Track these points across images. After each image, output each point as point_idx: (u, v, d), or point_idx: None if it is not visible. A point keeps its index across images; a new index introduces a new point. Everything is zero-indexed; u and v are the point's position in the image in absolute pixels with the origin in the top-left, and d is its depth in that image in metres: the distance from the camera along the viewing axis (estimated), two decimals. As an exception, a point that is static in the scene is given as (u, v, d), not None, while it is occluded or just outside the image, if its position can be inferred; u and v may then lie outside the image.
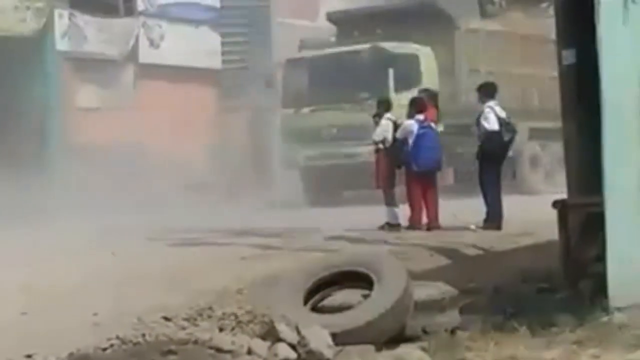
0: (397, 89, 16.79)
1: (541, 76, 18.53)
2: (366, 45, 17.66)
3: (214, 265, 8.46)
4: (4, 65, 16.79)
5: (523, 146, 18.28)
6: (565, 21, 6.58)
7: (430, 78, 17.52)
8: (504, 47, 19.06)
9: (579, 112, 6.42)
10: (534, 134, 19.12)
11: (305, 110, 17.92)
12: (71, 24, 18.76)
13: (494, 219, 11.28)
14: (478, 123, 11.56)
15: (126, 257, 9.19)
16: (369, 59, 17.47)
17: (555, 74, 18.17)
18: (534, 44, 19.02)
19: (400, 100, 15.25)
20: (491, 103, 11.58)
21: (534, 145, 19.43)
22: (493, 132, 11.36)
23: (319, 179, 17.61)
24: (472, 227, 11.24)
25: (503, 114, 11.53)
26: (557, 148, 17.93)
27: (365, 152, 14.64)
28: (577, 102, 6.43)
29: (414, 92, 15.08)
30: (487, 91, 11.74)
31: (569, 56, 6.47)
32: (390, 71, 17.30)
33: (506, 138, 11.42)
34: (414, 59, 17.85)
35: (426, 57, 18.14)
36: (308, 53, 18.41)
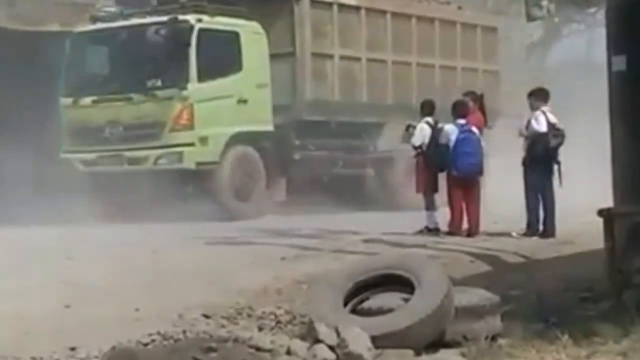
0: (203, 77, 13.83)
1: (447, 67, 17.24)
2: (163, 18, 13.96)
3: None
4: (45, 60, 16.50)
5: (397, 152, 15.28)
6: (616, 27, 6.51)
7: (255, 63, 14.51)
8: (382, 29, 16.28)
9: (628, 119, 6.34)
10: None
11: (87, 100, 14.27)
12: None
13: (534, 226, 11.20)
14: (527, 126, 11.40)
15: (168, 256, 9.23)
16: (166, 36, 13.84)
17: (478, 64, 17.16)
18: (446, 29, 17.31)
19: (207, 92, 13.93)
20: (544, 108, 11.46)
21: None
22: (539, 135, 11.22)
23: (108, 190, 13.74)
24: (514, 234, 11.16)
25: (554, 120, 11.39)
26: None
27: (151, 156, 13.37)
28: (626, 108, 6.35)
29: (231, 81, 13.89)
30: (539, 96, 11.58)
31: (619, 63, 6.39)
32: (191, 52, 13.73)
33: (553, 143, 11.27)
34: (230, 38, 14.28)
35: (250, 35, 14.51)
36: (95, 26, 14.82)
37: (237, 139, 14.37)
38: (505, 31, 21.16)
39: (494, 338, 5.41)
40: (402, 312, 5.38)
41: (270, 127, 14.85)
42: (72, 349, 5.20)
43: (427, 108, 12.23)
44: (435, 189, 11.90)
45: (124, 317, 6.08)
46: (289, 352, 4.98)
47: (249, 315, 6.26)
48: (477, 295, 5.69)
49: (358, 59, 16.05)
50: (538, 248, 9.93)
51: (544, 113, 11.35)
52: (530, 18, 17.78)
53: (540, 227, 11.21)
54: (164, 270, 8.08)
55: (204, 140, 13.99)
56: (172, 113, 13.91)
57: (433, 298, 5.36)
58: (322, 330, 5.05)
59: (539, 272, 8.31)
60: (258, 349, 4.96)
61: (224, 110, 14.26)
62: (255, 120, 14.61)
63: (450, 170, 11.53)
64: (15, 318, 5.97)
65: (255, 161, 14.61)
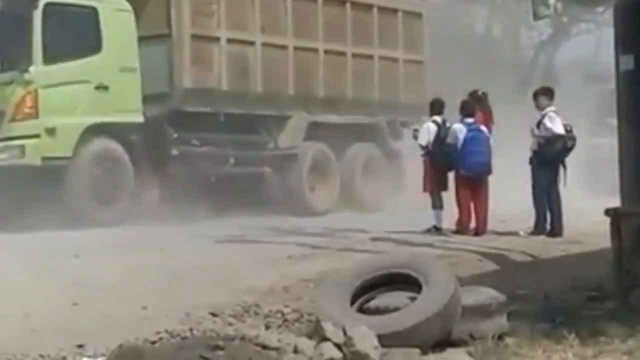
0: (51, 58, 12.27)
1: (361, 55, 15.74)
2: None
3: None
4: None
5: (301, 149, 14.67)
6: (624, 27, 6.50)
7: (118, 43, 12.90)
8: (282, 10, 14.69)
9: (635, 118, 6.33)
10: (317, 131, 14.99)
11: None
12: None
13: (542, 225, 11.20)
14: (539, 125, 11.34)
15: (176, 254, 9.24)
16: (5, 10, 12.31)
17: (398, 53, 16.05)
18: (360, 13, 15.77)
19: (56, 75, 12.27)
20: (553, 108, 11.42)
21: (317, 148, 15.12)
22: (557, 137, 11.19)
23: None
24: (522, 233, 11.16)
25: (563, 122, 11.38)
26: (356, 151, 15.66)
27: None
28: (634, 108, 6.34)
29: (87, 63, 12.20)
30: (546, 95, 11.55)
31: (628, 62, 6.39)
32: (35, 30, 12.14)
33: (569, 144, 11.26)
34: (87, 14, 12.72)
35: (112, 12, 12.97)
36: None
37: (95, 131, 12.57)
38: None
39: (500, 337, 5.41)
40: (409, 311, 5.38)
41: (139, 118, 13.06)
42: (80, 346, 5.22)
43: (436, 107, 12.22)
44: (443, 188, 11.89)
45: (132, 315, 6.10)
46: (295, 351, 4.98)
47: (256, 314, 6.27)
48: (484, 295, 5.68)
49: (251, 43, 14.26)
50: (545, 247, 9.92)
51: (558, 114, 11.33)
52: (536, 17, 17.62)
53: (548, 227, 11.21)
54: (171, 268, 8.09)
55: (51, 131, 12.19)
56: (12, 100, 12.23)
57: (440, 297, 5.36)
58: (329, 329, 5.05)
59: (546, 271, 8.31)
60: (265, 347, 4.96)
61: (78, 98, 12.53)
62: (119, 109, 12.81)
63: (458, 169, 11.52)
64: (22, 316, 5.99)
65: (118, 157, 12.78)
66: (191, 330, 5.47)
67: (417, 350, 5.16)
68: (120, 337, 5.16)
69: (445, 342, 5.32)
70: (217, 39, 13.83)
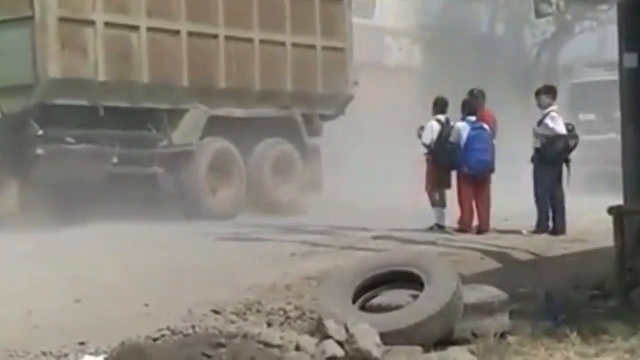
0: None
1: (270, 41, 14.23)
2: None
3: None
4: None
5: (198, 146, 13.30)
6: (628, 25, 6.50)
7: None
8: None
9: (639, 115, 6.32)
10: (218, 127, 13.50)
11: None
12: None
13: (544, 223, 11.20)
14: (540, 124, 11.36)
15: (179, 252, 9.24)
16: None
17: (316, 40, 14.73)
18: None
19: None
20: (555, 107, 11.45)
21: (219, 145, 13.65)
22: (559, 136, 11.21)
23: None
24: (524, 231, 11.17)
25: (564, 120, 11.42)
26: (266, 148, 14.29)
27: None
28: (637, 105, 6.33)
29: None
30: (548, 94, 11.56)
31: (631, 60, 6.38)
32: None
33: (572, 143, 11.28)
34: None
35: None
36: None
37: None
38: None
39: (502, 335, 5.40)
40: (411, 309, 5.38)
41: None
42: (82, 343, 5.22)
43: (439, 106, 12.20)
44: (447, 186, 11.88)
45: (134, 312, 6.10)
46: (297, 348, 4.98)
47: (258, 311, 6.27)
48: (486, 293, 5.68)
49: (135, 28, 12.70)
50: (548, 246, 9.91)
51: (559, 114, 11.35)
52: (539, 14, 17.54)
53: (550, 225, 11.21)
54: (174, 265, 8.10)
55: None
56: None
57: (442, 295, 5.36)
58: (331, 326, 5.05)
59: (549, 269, 8.30)
60: (267, 344, 4.96)
61: None
62: None
63: (461, 167, 11.52)
64: (25, 312, 5.99)
65: None
66: (193, 327, 5.48)
67: (419, 348, 5.16)
68: (122, 335, 5.16)
69: (447, 340, 5.32)
70: (92, 23, 12.25)
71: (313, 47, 15.08)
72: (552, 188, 11.22)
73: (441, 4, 24.93)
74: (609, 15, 21.15)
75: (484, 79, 17.63)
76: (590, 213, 10.36)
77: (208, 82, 13.60)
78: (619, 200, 6.81)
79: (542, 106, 11.46)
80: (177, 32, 13.22)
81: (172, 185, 13.35)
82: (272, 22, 14.44)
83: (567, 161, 11.24)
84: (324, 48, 15.20)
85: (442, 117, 12.04)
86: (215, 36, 13.64)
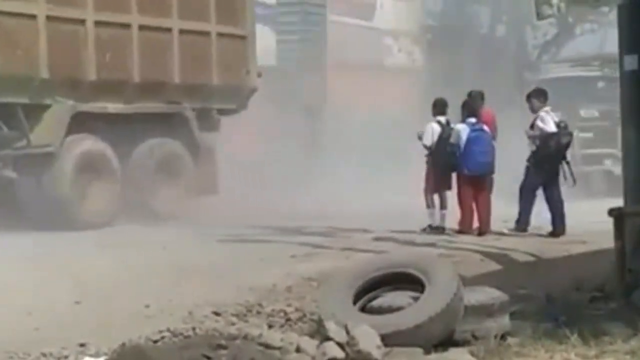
0: None
1: (151, 27, 12.67)
2: None
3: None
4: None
5: (61, 147, 11.74)
6: (628, 27, 6.50)
7: None
8: None
9: (639, 118, 6.33)
10: (88, 124, 12.01)
11: None
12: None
13: (523, 222, 11.25)
14: (532, 126, 11.47)
15: (179, 253, 9.25)
16: None
17: (210, 26, 13.04)
18: None
19: None
20: (546, 109, 11.53)
21: (88, 145, 12.13)
22: (549, 135, 11.27)
23: None
24: (505, 230, 11.24)
25: (557, 119, 11.48)
26: (148, 148, 12.73)
27: None
28: (638, 107, 6.33)
29: None
30: (539, 97, 11.67)
31: (632, 62, 6.38)
32: None
33: (564, 141, 11.35)
34: None
35: None
36: None
37: None
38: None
39: (503, 337, 5.41)
40: (411, 310, 5.38)
41: None
42: (82, 345, 5.22)
43: (439, 107, 12.20)
44: (447, 188, 11.88)
45: (134, 313, 6.10)
46: (298, 350, 4.99)
47: (259, 313, 6.27)
48: (486, 294, 5.68)
49: None
50: (548, 247, 9.91)
51: (549, 113, 11.44)
52: (540, 16, 17.60)
53: (532, 223, 11.29)
54: (174, 267, 8.10)
55: None
56: None
57: (443, 297, 5.36)
58: (332, 328, 5.05)
59: (549, 271, 8.30)
60: (267, 346, 4.96)
61: None
62: None
63: (461, 169, 11.53)
64: (25, 314, 5.99)
65: None
66: (194, 329, 5.47)
67: (420, 350, 5.17)
68: (122, 336, 5.17)
69: (447, 342, 5.32)
70: None
71: (206, 34, 13.54)
72: (550, 188, 11.25)
73: (442, 5, 24.94)
74: (610, 18, 21.19)
75: (484, 81, 17.66)
76: (590, 215, 10.35)
77: (74, 74, 11.89)
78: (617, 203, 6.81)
79: (533, 110, 11.57)
80: (34, 16, 11.46)
81: (31, 191, 11.70)
82: (154, 6, 12.80)
83: (565, 160, 11.30)
84: (220, 35, 13.68)
85: (442, 118, 12.03)
86: (82, 21, 11.99)
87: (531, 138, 11.40)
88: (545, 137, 11.28)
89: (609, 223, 6.45)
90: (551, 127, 11.29)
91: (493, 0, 25.33)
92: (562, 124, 11.44)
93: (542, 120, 11.36)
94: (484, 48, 23.40)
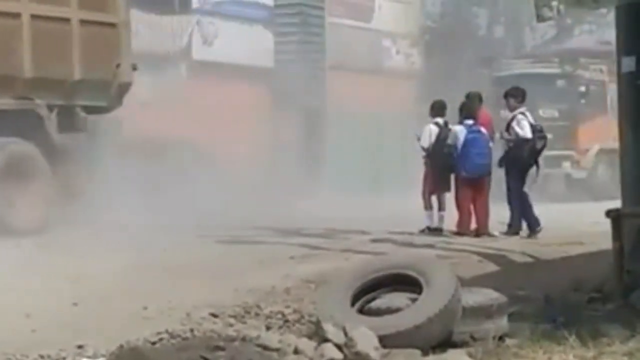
0: None
1: (6, 13, 11.20)
2: None
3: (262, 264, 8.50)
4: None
5: None
6: (626, 28, 6.50)
7: None
8: None
9: (637, 119, 6.33)
10: None
11: None
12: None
13: (516, 226, 11.27)
14: (508, 128, 11.52)
15: (178, 254, 9.25)
16: None
17: (69, 12, 11.39)
18: None
19: None
20: (522, 109, 11.57)
21: None
22: (525, 140, 11.32)
23: None
24: (496, 233, 11.27)
25: (532, 121, 11.52)
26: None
27: None
28: (635, 109, 6.34)
29: None
30: (517, 96, 11.71)
31: (629, 64, 6.38)
32: None
33: (538, 146, 11.40)
34: None
35: None
36: None
37: None
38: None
39: (501, 338, 5.41)
40: (409, 311, 5.38)
41: None
42: (80, 346, 5.22)
43: (437, 109, 12.21)
44: (447, 189, 11.88)
45: (132, 315, 6.10)
46: (296, 352, 4.98)
47: (257, 314, 6.27)
48: (484, 295, 5.68)
49: None
50: (546, 248, 9.92)
51: (526, 116, 11.47)
52: (540, 19, 17.59)
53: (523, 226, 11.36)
54: (172, 268, 8.10)
55: None
56: None
57: (441, 298, 5.36)
58: (330, 330, 5.05)
59: (547, 272, 8.30)
60: (266, 348, 4.96)
61: None
62: None
63: (459, 171, 11.54)
64: (23, 315, 5.99)
65: None
66: (192, 330, 5.47)
67: (418, 351, 5.16)
68: (120, 338, 5.16)
69: (446, 343, 5.32)
70: None
71: (66, 20, 11.99)
72: (517, 190, 11.32)
73: (440, 7, 24.94)
74: (608, 19, 21.19)
75: (483, 82, 17.65)
76: (588, 216, 10.37)
77: None
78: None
79: (510, 109, 11.61)
80: None
81: None
82: None
83: (536, 163, 11.36)
84: (84, 23, 12.15)
85: (440, 120, 12.04)
86: None
87: (505, 140, 11.47)
88: (520, 141, 11.32)
89: (606, 224, 6.46)
90: (527, 133, 11.33)
91: (491, 1, 25.36)
92: (538, 127, 11.50)
93: (519, 124, 11.38)
94: (482, 49, 23.40)
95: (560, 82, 19.57)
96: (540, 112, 18.10)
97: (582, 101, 19.81)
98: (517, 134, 11.33)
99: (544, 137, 11.54)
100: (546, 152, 17.45)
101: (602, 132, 18.58)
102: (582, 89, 19.71)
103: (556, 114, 19.07)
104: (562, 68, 19.87)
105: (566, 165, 19.13)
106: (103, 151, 14.47)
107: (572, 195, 18.78)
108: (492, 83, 18.79)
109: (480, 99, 12.15)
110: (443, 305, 5.31)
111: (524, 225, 11.38)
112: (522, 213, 11.32)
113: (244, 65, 20.46)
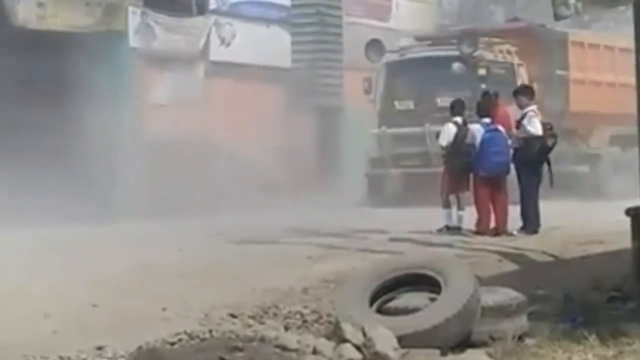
0: None
1: None
2: None
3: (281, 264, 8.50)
4: (75, 59, 16.74)
5: None
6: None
7: None
8: None
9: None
10: None
11: None
12: (142, 21, 19.01)
13: (531, 224, 11.22)
14: (519, 126, 11.48)
15: (195, 255, 9.27)
16: None
17: None
18: None
19: None
20: (533, 107, 11.54)
21: None
22: (536, 137, 11.28)
23: None
24: (515, 232, 11.24)
25: (541, 119, 11.49)
26: None
27: None
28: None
29: None
30: (526, 94, 11.70)
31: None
32: None
33: (549, 143, 11.36)
34: None
35: None
36: None
37: None
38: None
39: (520, 338, 5.38)
40: (428, 311, 5.36)
41: None
42: (99, 348, 5.23)
43: (457, 108, 12.19)
44: (465, 188, 11.84)
45: (151, 316, 6.11)
46: (315, 352, 4.98)
47: (275, 315, 6.26)
48: (503, 295, 5.66)
49: None
50: (566, 247, 9.87)
51: (537, 113, 11.43)
52: (557, 17, 17.38)
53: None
54: (189, 268, 8.11)
55: None
56: None
57: (460, 297, 5.34)
58: (349, 330, 5.05)
59: (567, 271, 8.26)
60: (284, 348, 4.96)
61: None
62: None
63: (477, 170, 11.50)
64: (42, 317, 6.01)
65: None
66: (210, 331, 5.47)
67: (437, 351, 5.15)
68: (139, 339, 5.17)
69: (465, 343, 5.30)
70: None
71: None
72: (529, 188, 11.28)
73: (457, 5, 24.87)
74: (627, 15, 21.04)
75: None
76: (607, 214, 10.30)
77: None
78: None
79: (520, 106, 11.56)
80: None
81: None
82: None
83: (548, 161, 11.31)
84: None
85: (458, 119, 12.01)
86: None
87: (515, 139, 11.41)
88: (530, 139, 11.29)
89: (626, 222, 6.42)
90: (538, 130, 11.30)
91: (508, -1, 25.30)
92: (548, 126, 11.45)
93: (530, 121, 11.36)
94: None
95: (456, 66, 17.09)
96: (438, 100, 16.53)
97: (483, 86, 15.93)
98: (527, 132, 11.30)
99: (554, 135, 11.50)
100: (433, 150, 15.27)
101: (511, 123, 17.04)
102: (482, 72, 16.89)
103: None
104: (460, 50, 17.27)
105: None
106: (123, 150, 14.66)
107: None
108: (383, 71, 17.57)
109: (497, 96, 12.11)
110: (462, 305, 5.29)
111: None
112: (529, 208, 11.26)
113: (262, 65, 20.47)
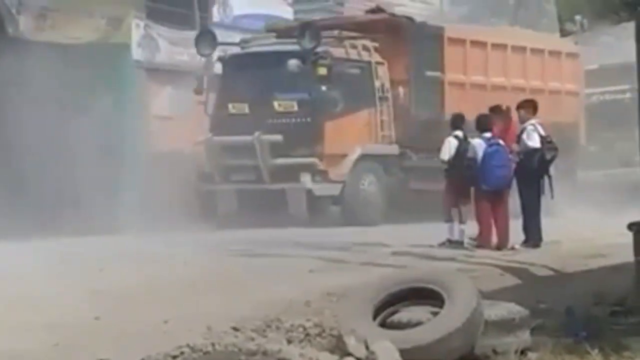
0: None
1: None
2: None
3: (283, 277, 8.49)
4: (78, 71, 16.76)
5: None
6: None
7: None
8: None
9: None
10: None
11: None
12: (146, 34, 19.05)
13: (533, 238, 11.24)
14: (519, 140, 11.51)
15: (197, 268, 9.27)
16: None
17: None
18: None
19: None
20: (533, 121, 11.56)
21: None
22: (534, 150, 11.32)
23: None
24: (517, 246, 11.24)
25: (543, 132, 11.49)
26: None
27: None
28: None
29: None
30: (528, 108, 11.73)
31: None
32: None
33: (548, 156, 11.38)
34: None
35: None
36: None
37: None
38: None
39: (523, 352, 5.38)
40: (431, 325, 5.36)
41: None
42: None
43: (457, 121, 12.20)
44: (466, 202, 11.84)
45: (153, 328, 6.11)
46: (317, 365, 4.98)
47: (278, 328, 6.25)
48: (506, 309, 5.65)
49: None
50: (568, 261, 9.87)
51: (536, 127, 11.45)
52: (563, 33, 17.38)
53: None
54: (193, 281, 8.11)
55: None
56: None
57: (462, 312, 5.33)
58: (351, 343, 5.04)
59: (569, 285, 8.26)
60: (287, 361, 4.95)
61: None
62: None
63: (479, 184, 11.51)
64: (45, 329, 6.01)
65: None
66: (213, 344, 5.46)
67: (440, 365, 5.14)
68: (141, 352, 5.17)
69: (467, 357, 5.29)
70: None
71: None
72: (530, 201, 11.31)
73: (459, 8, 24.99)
74: (629, 31, 21.07)
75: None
76: (610, 229, 10.31)
77: None
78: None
79: (521, 120, 11.58)
80: None
81: None
82: None
83: (547, 174, 11.34)
84: None
85: (459, 133, 12.02)
86: None
87: (515, 153, 11.45)
88: (530, 153, 11.32)
89: (628, 236, 6.42)
90: (535, 143, 11.33)
91: (513, 11, 25.35)
92: (548, 138, 11.47)
93: (528, 135, 11.40)
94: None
95: (292, 64, 14.12)
96: (276, 104, 14.28)
97: (323, 88, 14.27)
98: (526, 145, 11.34)
99: (554, 148, 11.50)
100: (278, 161, 13.66)
101: (366, 132, 14.61)
102: (322, 71, 14.06)
103: (295, 107, 14.19)
104: (300, 45, 14.24)
105: (305, 178, 13.94)
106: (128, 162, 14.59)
107: (316, 219, 14.28)
108: (221, 69, 15.35)
109: (500, 111, 12.13)
110: (465, 319, 5.28)
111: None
112: (530, 221, 11.30)
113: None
